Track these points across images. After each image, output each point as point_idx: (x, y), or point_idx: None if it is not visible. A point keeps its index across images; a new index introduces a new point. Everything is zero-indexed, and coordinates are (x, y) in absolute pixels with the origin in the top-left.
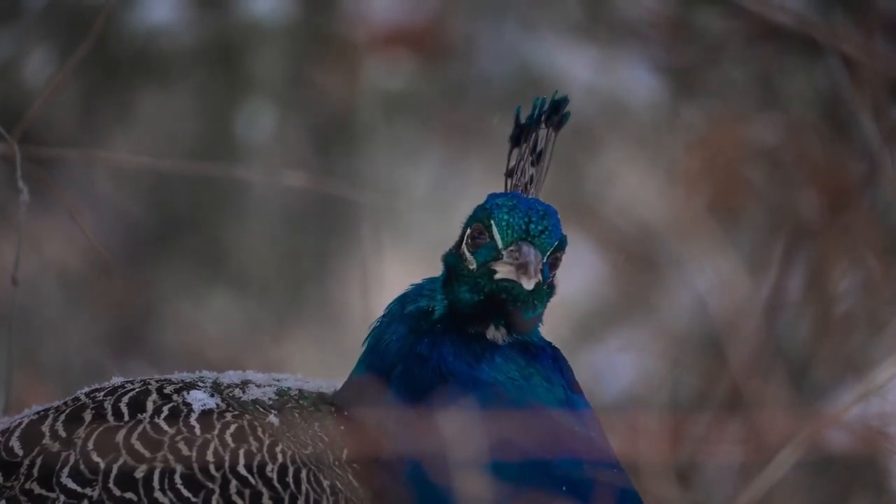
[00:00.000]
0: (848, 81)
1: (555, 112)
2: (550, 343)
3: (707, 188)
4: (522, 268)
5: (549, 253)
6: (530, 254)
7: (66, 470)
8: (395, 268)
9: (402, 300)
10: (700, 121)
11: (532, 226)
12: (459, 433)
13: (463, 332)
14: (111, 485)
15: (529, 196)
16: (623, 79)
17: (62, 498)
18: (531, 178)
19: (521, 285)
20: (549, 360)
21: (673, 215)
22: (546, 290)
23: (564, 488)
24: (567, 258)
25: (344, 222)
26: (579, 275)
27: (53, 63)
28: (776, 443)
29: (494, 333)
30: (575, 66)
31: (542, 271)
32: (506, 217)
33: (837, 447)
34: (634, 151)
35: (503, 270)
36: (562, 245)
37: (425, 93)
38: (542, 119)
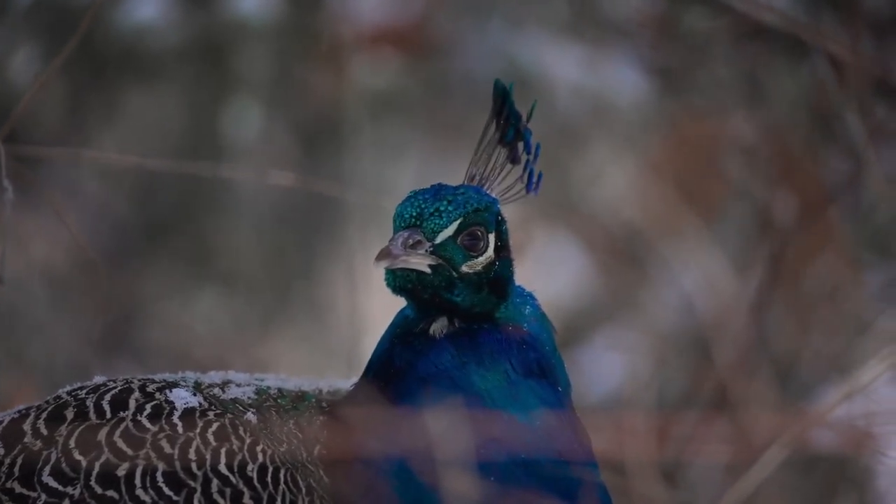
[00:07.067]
0: (834, 81)
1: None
2: (524, 323)
3: (692, 186)
4: (380, 253)
5: (450, 229)
6: (396, 238)
7: (47, 468)
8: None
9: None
10: (686, 120)
11: (426, 210)
12: (401, 431)
13: (411, 332)
14: (93, 483)
15: (473, 183)
16: (609, 78)
17: (43, 497)
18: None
19: (388, 272)
20: (495, 343)
21: (659, 214)
22: (471, 269)
23: (495, 479)
24: (553, 257)
25: (330, 221)
26: (565, 274)
27: (40, 61)
28: (762, 442)
29: (435, 327)
30: (561, 65)
31: (433, 251)
32: (398, 209)
33: (823, 447)
34: (621, 150)
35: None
36: (477, 218)
37: (411, 91)
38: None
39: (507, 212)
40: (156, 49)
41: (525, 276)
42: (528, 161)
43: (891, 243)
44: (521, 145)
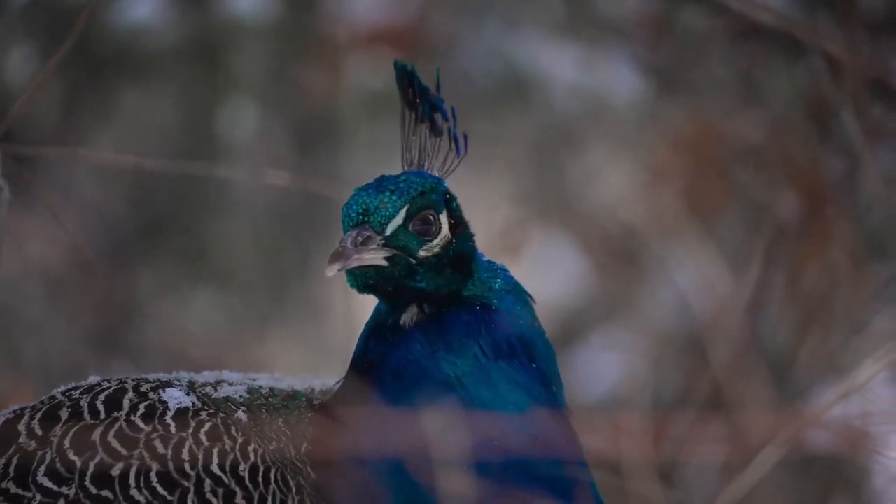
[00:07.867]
0: (830, 80)
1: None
2: (494, 299)
3: (689, 187)
4: (332, 257)
5: (398, 218)
6: (346, 239)
7: (42, 469)
8: None
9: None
10: (683, 119)
11: (371, 205)
12: (378, 425)
13: (384, 325)
14: (87, 483)
15: (413, 167)
16: (606, 77)
17: (38, 497)
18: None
19: (348, 273)
20: (464, 326)
21: (655, 214)
22: (428, 253)
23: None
24: (550, 257)
25: (326, 220)
26: (562, 274)
27: (36, 60)
28: (758, 442)
29: (405, 317)
30: (558, 65)
31: (385, 243)
32: (344, 210)
33: (819, 447)
34: (617, 150)
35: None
36: (424, 201)
37: None
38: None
39: (504, 208)
40: (152, 49)
41: (522, 276)
42: (449, 128)
43: (887, 243)
44: (438, 116)
